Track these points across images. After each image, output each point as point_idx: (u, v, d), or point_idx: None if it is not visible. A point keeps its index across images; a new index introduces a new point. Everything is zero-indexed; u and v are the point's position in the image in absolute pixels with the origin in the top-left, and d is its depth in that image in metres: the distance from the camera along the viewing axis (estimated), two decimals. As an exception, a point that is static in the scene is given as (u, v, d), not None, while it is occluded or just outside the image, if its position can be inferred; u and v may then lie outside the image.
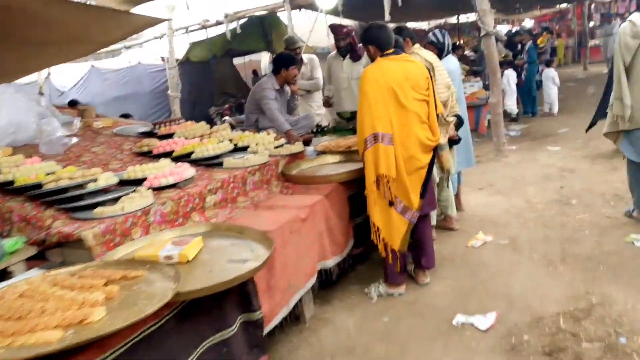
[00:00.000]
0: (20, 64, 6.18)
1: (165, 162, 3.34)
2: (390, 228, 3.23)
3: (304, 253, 2.93)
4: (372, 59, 3.31)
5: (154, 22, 6.91)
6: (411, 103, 3.15)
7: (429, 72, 3.30)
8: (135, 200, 2.68)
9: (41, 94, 11.94)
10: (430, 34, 4.60)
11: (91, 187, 2.80)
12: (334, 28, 5.29)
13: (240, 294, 2.37)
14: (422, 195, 3.26)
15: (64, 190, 2.79)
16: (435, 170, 4.08)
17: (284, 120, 4.60)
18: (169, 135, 4.28)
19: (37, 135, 4.05)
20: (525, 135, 8.40)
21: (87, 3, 6.41)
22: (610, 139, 4.25)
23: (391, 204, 3.18)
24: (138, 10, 7.87)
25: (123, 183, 3.12)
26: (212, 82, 14.02)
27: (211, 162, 3.58)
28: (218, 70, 14.14)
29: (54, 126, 4.10)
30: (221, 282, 2.01)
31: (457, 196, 4.88)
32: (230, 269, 2.17)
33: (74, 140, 4.12)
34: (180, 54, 12.19)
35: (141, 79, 13.08)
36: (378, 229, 3.22)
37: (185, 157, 3.66)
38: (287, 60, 4.71)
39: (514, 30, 16.42)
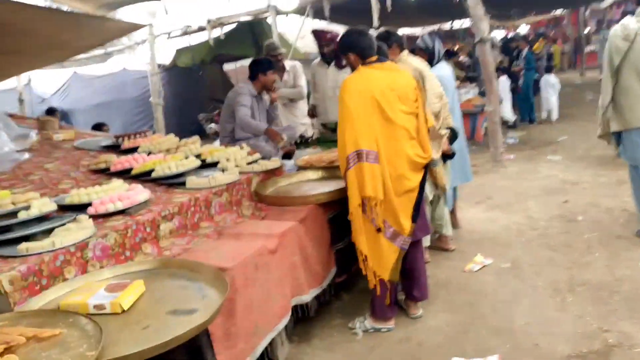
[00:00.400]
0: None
1: (118, 182, 2.92)
2: (379, 256, 2.81)
3: (273, 290, 2.50)
4: (353, 69, 2.91)
5: (132, 27, 6.52)
6: (398, 116, 2.75)
7: (418, 82, 2.90)
8: (71, 233, 2.25)
9: (21, 100, 11.50)
10: (419, 40, 4.22)
11: (22, 216, 2.37)
12: (317, 34, 4.90)
13: (189, 350, 1.95)
14: (413, 219, 2.84)
15: (-10, 219, 2.36)
16: (428, 188, 3.69)
17: (258, 122, 4.21)
18: (134, 150, 3.87)
19: (-16, 150, 3.64)
20: (524, 143, 8.02)
21: (60, 8, 6.03)
22: (605, 140, 4.16)
23: (379, 229, 2.76)
24: (116, 15, 7.44)
25: (66, 209, 2.70)
26: (202, 88, 13.65)
27: (173, 182, 3.16)
28: (207, 76, 13.77)
29: (2, 140, 3.69)
30: (153, 345, 1.58)
31: (452, 212, 4.48)
32: (171, 324, 1.75)
33: (26, 155, 3.69)
34: (166, 59, 11.80)
35: (125, 86, 12.66)
36: (366, 257, 2.80)
37: (145, 176, 3.25)
38: (263, 64, 4.32)
39: (509, 36, 16.11)
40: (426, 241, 3.78)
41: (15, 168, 3.51)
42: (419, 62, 3.75)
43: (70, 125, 9.99)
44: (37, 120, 4.87)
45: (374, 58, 2.85)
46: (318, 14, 7.60)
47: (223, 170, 3.34)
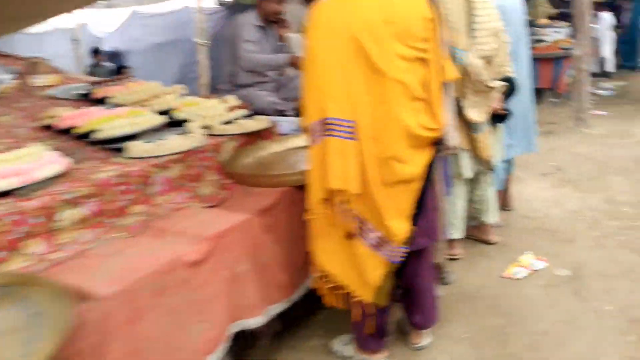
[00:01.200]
0: (30, 8, 5.37)
1: (36, 148, 2.26)
2: (357, 270, 1.95)
3: (193, 317, 1.77)
4: None
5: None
6: (392, 65, 1.81)
7: (434, 9, 1.91)
8: None
9: (75, 40, 11.30)
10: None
11: None
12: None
13: None
14: (414, 220, 1.96)
15: None
16: (466, 162, 2.76)
17: (272, 55, 3.49)
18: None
19: None
20: (620, 97, 6.61)
21: None
22: None
23: (353, 234, 1.91)
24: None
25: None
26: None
27: (117, 147, 2.47)
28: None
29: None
30: None
31: (504, 189, 3.50)
32: None
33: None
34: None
35: (186, 25, 12.05)
36: (325, 275, 1.97)
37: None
38: None
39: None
40: (458, 232, 2.88)
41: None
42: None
43: (124, 67, 9.69)
44: (26, 61, 4.33)
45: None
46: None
47: (185, 133, 2.59)
